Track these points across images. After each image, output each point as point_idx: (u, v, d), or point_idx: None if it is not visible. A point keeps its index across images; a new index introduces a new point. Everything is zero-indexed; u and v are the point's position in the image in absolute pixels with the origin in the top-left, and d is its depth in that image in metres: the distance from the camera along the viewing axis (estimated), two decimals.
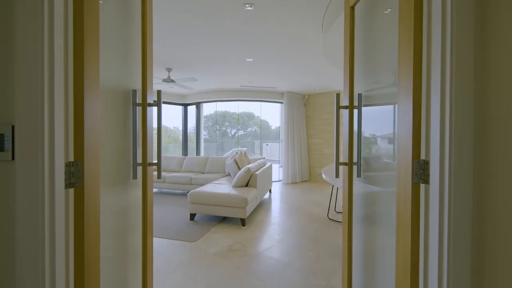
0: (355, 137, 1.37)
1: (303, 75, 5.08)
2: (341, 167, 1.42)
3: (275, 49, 3.69)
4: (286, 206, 4.53)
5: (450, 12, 0.75)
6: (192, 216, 3.62)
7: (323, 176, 3.48)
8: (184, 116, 7.80)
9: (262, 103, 6.76)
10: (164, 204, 4.52)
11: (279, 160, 10.24)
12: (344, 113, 1.43)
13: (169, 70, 4.78)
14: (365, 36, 1.30)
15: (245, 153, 5.14)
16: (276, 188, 6.12)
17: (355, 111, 1.35)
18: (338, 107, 1.39)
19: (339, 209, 4.18)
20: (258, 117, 12.12)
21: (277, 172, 7.15)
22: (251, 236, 3.10)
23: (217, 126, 11.58)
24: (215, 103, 7.34)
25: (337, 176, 1.36)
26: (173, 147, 9.81)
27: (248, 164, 4.60)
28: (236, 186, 3.84)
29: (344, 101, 1.44)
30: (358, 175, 1.33)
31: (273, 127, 12.06)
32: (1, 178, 0.76)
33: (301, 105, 7.01)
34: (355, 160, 1.37)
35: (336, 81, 5.48)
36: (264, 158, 5.45)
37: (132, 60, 1.20)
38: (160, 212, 4.01)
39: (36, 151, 0.72)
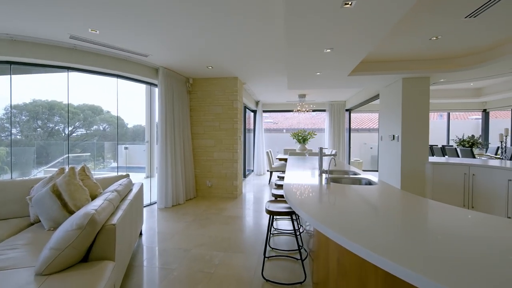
0: None
1: (197, 37, 3.15)
2: None
3: None
4: (173, 278, 2.43)
5: None
6: None
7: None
8: None
9: (121, 81, 4.07)
10: None
11: (145, 169, 7.48)
12: None
13: None
14: None
15: (83, 169, 2.49)
16: (149, 221, 3.74)
17: None
18: None
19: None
20: (108, 112, 8.62)
21: (146, 189, 4.66)
22: None
23: (38, 122, 7.25)
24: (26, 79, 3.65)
25: None
26: None
27: (91, 199, 2.11)
28: (48, 272, 1.37)
29: None
30: None
31: (130, 125, 8.97)
32: None
33: (183, 92, 4.94)
34: None
35: (246, 61, 3.98)
36: (128, 176, 2.98)
37: None
38: None
39: None
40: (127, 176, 2.94)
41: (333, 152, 6.31)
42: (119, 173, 3.16)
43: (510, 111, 7.48)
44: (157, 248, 2.76)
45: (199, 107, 5.19)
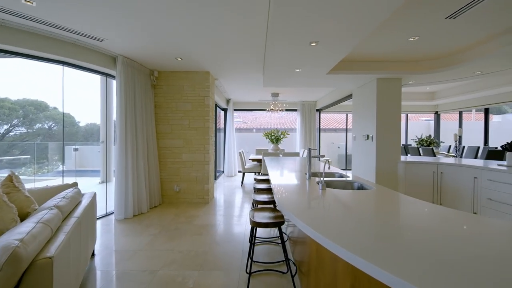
0: None
1: (165, 22, 2.71)
2: None
3: None
4: None
5: None
6: None
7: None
8: None
9: (69, 70, 3.37)
10: None
11: (100, 172, 6.59)
12: None
13: None
14: None
15: (10, 178, 1.90)
16: (104, 236, 3.16)
17: None
18: None
19: None
20: (55, 108, 7.51)
21: (101, 195, 4.02)
22: None
23: None
24: None
25: None
26: None
27: (19, 220, 1.59)
28: None
29: None
30: None
31: (82, 123, 7.95)
32: None
33: (147, 86, 4.37)
34: None
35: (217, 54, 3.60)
36: (76, 184, 2.41)
37: None
38: None
39: None
40: (75, 185, 2.37)
41: (318, 155, 6.26)
42: (65, 179, 2.56)
43: (458, 114, 8.29)
44: (115, 272, 2.26)
45: (166, 103, 4.66)
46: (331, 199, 1.55)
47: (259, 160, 6.39)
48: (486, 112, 7.04)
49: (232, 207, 4.46)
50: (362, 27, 2.27)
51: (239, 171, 8.59)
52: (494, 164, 3.46)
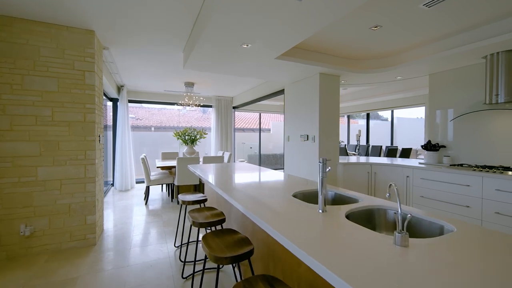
0: None
1: None
2: None
3: None
4: None
5: None
6: None
7: None
8: None
9: None
10: None
11: None
12: None
13: None
14: None
15: None
16: None
17: None
18: None
19: None
20: None
21: None
22: None
23: None
24: None
25: None
26: None
27: None
28: None
29: None
30: None
31: None
32: None
33: None
34: None
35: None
36: None
37: None
38: None
39: None
40: None
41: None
42: None
43: (366, 115, 9.66)
44: None
45: None
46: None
47: (170, 168, 4.89)
48: (368, 116, 8.49)
49: (144, 246, 2.90)
50: None
51: (138, 182, 6.58)
52: (415, 162, 3.75)
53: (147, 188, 4.73)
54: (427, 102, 6.17)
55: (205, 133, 5.55)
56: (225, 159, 5.47)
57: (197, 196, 2.63)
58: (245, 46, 2.67)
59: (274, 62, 3.24)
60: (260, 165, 9.24)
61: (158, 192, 5.62)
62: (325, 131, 3.79)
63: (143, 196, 5.24)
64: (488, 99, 2.94)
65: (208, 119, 12.42)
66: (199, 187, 5.08)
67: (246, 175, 2.52)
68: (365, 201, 1.51)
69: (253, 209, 1.34)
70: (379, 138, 10.62)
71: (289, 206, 1.40)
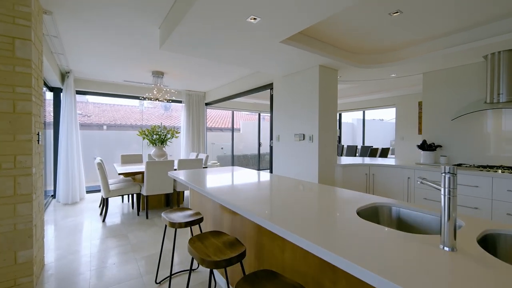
0: None
1: None
2: None
3: None
4: None
5: None
6: None
7: None
8: None
9: None
10: None
11: None
12: None
13: None
14: None
15: None
16: None
17: None
18: None
19: None
20: None
21: None
22: None
23: None
24: None
25: None
26: None
27: None
28: None
29: None
30: None
31: None
32: None
33: None
34: None
35: None
36: None
37: None
38: None
39: None
40: None
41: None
42: None
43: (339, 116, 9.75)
44: None
45: None
46: None
47: (134, 174, 3.99)
48: (340, 116, 8.59)
49: (107, 286, 2.10)
50: None
51: (90, 191, 5.39)
52: (412, 162, 3.65)
53: (105, 201, 3.76)
54: (398, 104, 6.38)
55: (177, 132, 4.75)
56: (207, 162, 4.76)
57: (187, 214, 1.97)
58: (252, 20, 2.11)
59: (276, 48, 2.74)
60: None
61: (117, 204, 4.61)
62: (325, 130, 3.43)
63: (99, 210, 4.21)
64: (489, 98, 2.91)
65: (171, 117, 11.29)
66: (172, 196, 4.28)
67: (267, 184, 1.95)
68: (473, 223, 1.11)
69: (343, 252, 0.82)
70: (348, 138, 10.93)
71: (378, 238, 0.91)
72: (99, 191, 5.53)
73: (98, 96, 5.48)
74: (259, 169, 9.47)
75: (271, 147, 4.42)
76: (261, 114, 9.08)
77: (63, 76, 4.66)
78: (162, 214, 1.97)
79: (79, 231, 3.26)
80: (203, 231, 2.39)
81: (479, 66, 3.19)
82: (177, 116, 11.60)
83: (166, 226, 2.02)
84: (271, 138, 4.40)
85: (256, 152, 9.72)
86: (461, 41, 2.82)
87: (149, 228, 3.38)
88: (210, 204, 2.25)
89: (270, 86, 4.32)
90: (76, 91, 4.99)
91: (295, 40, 2.73)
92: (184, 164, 4.09)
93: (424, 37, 2.92)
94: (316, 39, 3.00)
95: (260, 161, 9.91)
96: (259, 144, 9.23)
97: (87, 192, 5.34)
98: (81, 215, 3.93)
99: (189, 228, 2.73)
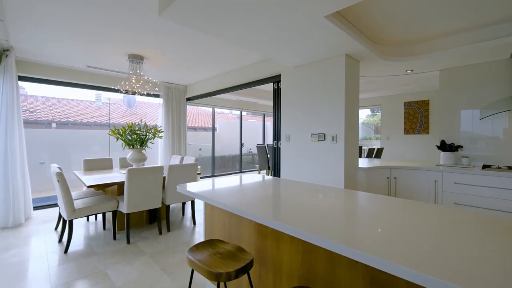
0: None
1: None
2: None
3: None
4: None
5: None
6: None
7: None
8: None
9: None
10: None
11: None
12: None
13: None
14: None
15: None
16: None
17: None
18: None
19: None
20: None
21: None
22: None
23: None
24: None
25: None
26: None
27: None
28: None
29: None
30: None
31: None
32: None
33: None
34: None
35: None
36: None
37: None
38: None
39: None
40: None
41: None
42: None
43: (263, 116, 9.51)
44: None
45: None
46: None
47: (106, 186, 3.04)
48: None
49: None
50: None
51: (38, 208, 4.17)
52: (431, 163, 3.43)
53: (68, 224, 2.77)
54: (383, 104, 6.36)
55: (160, 131, 3.88)
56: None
57: (226, 252, 1.30)
58: None
59: (315, 24, 2.17)
60: (213, 171, 7.83)
61: (81, 222, 3.58)
62: (350, 130, 2.99)
63: (56, 234, 3.16)
64: None
65: (135, 114, 9.99)
66: (159, 212, 3.40)
67: (314, 196, 1.37)
68: None
69: None
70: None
71: None
72: (50, 206, 4.33)
73: (50, 85, 4.26)
74: (240, 171, 8.81)
75: (275, 148, 3.86)
76: (242, 112, 8.45)
77: (0, 55, 3.45)
78: (187, 255, 1.27)
79: (28, 273, 2.27)
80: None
81: (506, 63, 3.07)
82: (142, 113, 10.26)
83: (193, 270, 1.32)
84: (276, 139, 3.84)
85: (234, 153, 9.02)
86: (490, 36, 2.62)
87: (136, 258, 2.54)
88: (246, 228, 1.59)
89: (275, 79, 3.75)
90: (19, 76, 3.78)
91: (340, 20, 2.22)
92: (177, 171, 3.29)
93: (456, 27, 2.66)
94: (347, 22, 2.53)
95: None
96: (241, 145, 8.58)
97: (35, 208, 4.13)
98: (29, 245, 2.86)
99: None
